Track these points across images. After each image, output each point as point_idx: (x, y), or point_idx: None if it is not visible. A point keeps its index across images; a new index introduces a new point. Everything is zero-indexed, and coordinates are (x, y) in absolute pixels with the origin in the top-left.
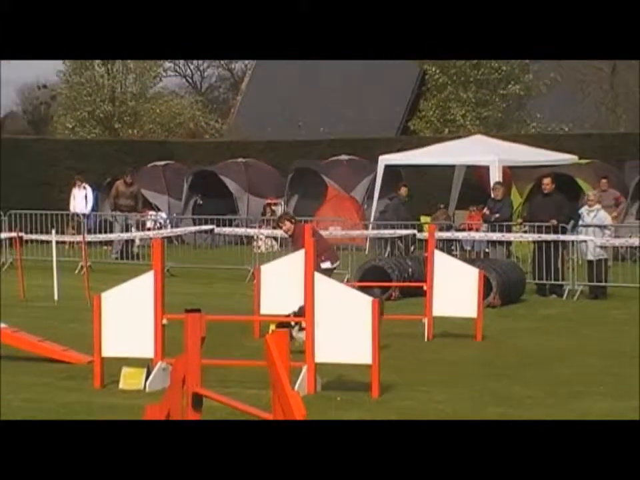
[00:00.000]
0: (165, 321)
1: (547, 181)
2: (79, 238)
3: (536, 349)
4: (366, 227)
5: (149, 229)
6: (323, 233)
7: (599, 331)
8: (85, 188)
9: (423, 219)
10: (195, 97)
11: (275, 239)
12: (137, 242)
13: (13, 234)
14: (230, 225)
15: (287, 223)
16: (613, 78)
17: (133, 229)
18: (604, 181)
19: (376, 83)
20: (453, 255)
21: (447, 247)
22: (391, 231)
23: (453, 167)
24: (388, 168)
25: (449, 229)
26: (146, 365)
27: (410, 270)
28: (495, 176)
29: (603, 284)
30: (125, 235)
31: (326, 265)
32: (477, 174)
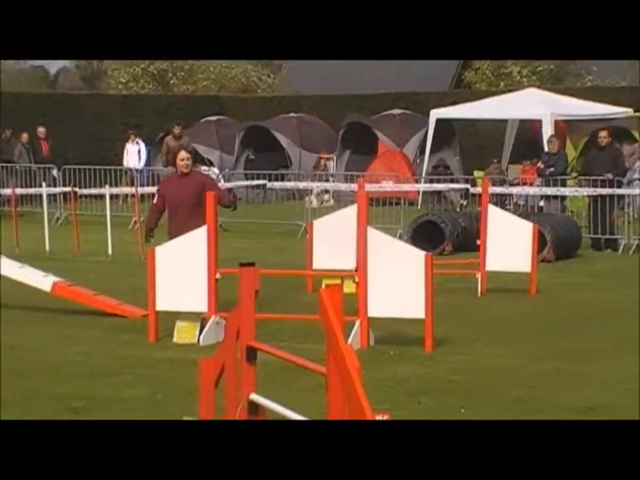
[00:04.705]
0: (218, 276)
1: (603, 134)
2: (132, 190)
3: (591, 303)
4: (417, 182)
5: None
6: (374, 187)
7: None
8: (138, 143)
9: (476, 173)
10: None
11: (328, 193)
12: None
13: (67, 189)
14: (282, 180)
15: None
16: None
17: None
18: None
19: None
20: (506, 210)
21: (501, 201)
22: (444, 185)
23: (505, 120)
24: (440, 122)
25: (502, 183)
26: (199, 318)
27: (463, 225)
28: (548, 130)
29: None
30: None
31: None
32: (531, 127)
